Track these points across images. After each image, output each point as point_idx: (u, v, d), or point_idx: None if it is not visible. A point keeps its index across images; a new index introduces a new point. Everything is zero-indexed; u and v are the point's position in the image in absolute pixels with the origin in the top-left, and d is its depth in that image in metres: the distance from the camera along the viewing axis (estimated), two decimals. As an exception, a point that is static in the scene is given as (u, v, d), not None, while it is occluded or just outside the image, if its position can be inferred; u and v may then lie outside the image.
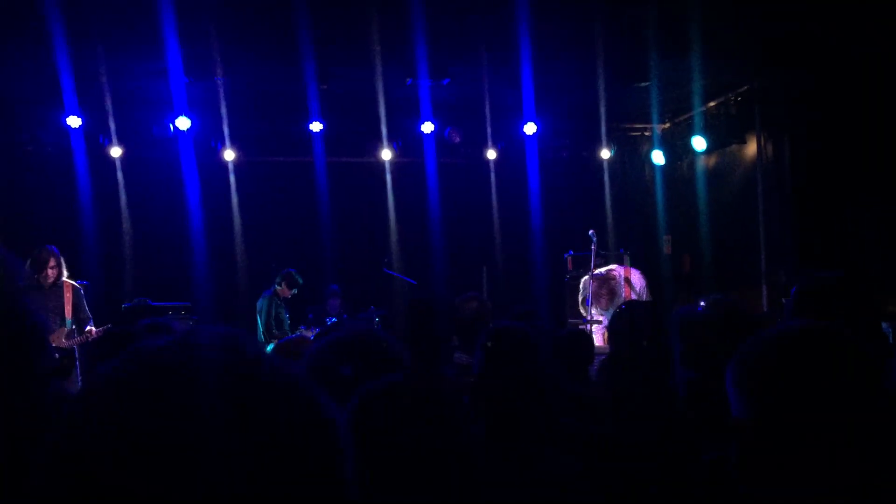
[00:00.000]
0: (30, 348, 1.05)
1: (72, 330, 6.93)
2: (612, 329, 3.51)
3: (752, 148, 9.89)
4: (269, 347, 9.10)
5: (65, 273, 6.98)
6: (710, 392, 1.91)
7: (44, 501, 0.70)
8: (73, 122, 9.42)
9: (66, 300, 6.89)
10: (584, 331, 5.95)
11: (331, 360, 1.89)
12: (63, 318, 6.86)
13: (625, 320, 3.38)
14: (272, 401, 0.74)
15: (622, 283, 8.18)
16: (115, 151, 9.96)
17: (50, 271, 6.82)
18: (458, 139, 10.68)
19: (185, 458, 0.68)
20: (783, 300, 8.46)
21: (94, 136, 9.79)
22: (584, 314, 8.15)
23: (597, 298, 7.93)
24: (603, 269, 8.38)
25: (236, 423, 0.71)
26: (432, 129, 10.35)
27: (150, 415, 0.70)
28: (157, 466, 0.68)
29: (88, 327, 7.04)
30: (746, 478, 1.27)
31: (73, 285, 7.05)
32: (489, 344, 2.51)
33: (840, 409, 1.21)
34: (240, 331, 0.80)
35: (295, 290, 9.57)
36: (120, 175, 10.11)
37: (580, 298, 8.37)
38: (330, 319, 9.15)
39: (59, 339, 6.68)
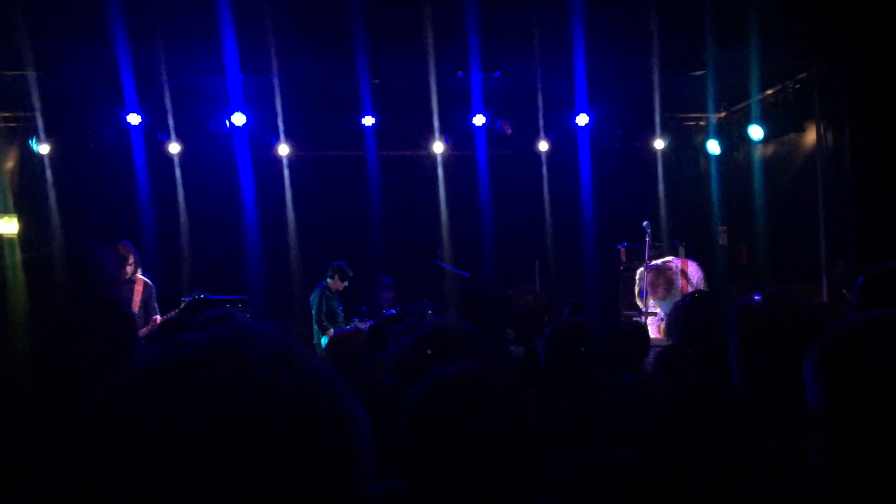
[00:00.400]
0: (124, 338, 1.09)
1: (138, 322, 7.20)
2: (670, 321, 3.48)
3: (811, 136, 9.67)
4: (324, 340, 9.24)
5: (139, 269, 7.26)
6: (768, 384, 1.87)
7: (74, 480, 0.72)
8: (133, 119, 9.65)
9: (135, 292, 7.17)
10: (639, 323, 5.90)
11: (420, 353, 1.90)
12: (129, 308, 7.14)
13: (684, 312, 3.35)
14: (296, 397, 0.75)
15: (679, 274, 8.07)
16: (174, 148, 10.16)
17: (128, 267, 7.11)
18: (509, 131, 10.66)
19: (203, 447, 0.69)
20: (843, 291, 8.27)
21: (153, 132, 10.00)
22: (641, 306, 8.07)
23: (654, 288, 7.84)
24: (659, 261, 8.28)
25: (258, 416, 0.72)
26: (484, 121, 10.35)
27: (174, 403, 0.71)
28: (175, 453, 0.69)
29: (155, 317, 7.30)
30: (824, 468, 1.25)
31: (145, 281, 7.37)
32: (552, 337, 2.51)
33: None
34: (273, 325, 0.81)
35: (346, 283, 9.67)
36: (178, 171, 10.32)
37: (636, 290, 8.28)
38: (386, 312, 9.22)
39: None
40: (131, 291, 7.19)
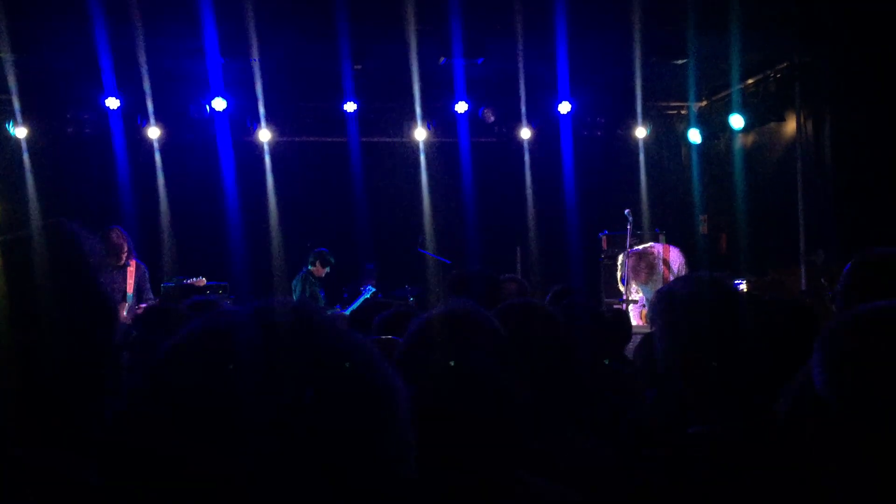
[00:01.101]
0: (104, 323, 1.08)
1: (132, 306, 7.23)
2: (652, 308, 3.49)
3: (791, 126, 9.72)
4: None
5: (133, 254, 7.26)
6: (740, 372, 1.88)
7: (125, 445, 0.74)
8: (112, 103, 9.53)
9: (129, 275, 7.18)
10: (621, 310, 5.91)
11: (430, 340, 1.86)
12: (125, 295, 7.16)
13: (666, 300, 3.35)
14: (340, 368, 0.77)
15: (660, 259, 8.11)
16: (153, 132, 10.06)
17: (122, 254, 7.13)
18: (492, 118, 10.64)
19: (252, 416, 0.71)
20: (822, 280, 8.35)
21: (132, 117, 9.90)
22: (623, 292, 8.10)
23: (635, 273, 7.85)
24: (640, 247, 8.31)
25: (307, 387, 0.73)
26: (466, 108, 10.32)
27: (223, 373, 0.73)
28: (224, 422, 0.71)
29: (141, 304, 7.28)
30: (827, 455, 1.26)
31: (137, 265, 7.38)
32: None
33: None
34: (309, 301, 0.82)
35: (328, 269, 9.65)
36: (158, 156, 10.22)
37: (619, 276, 8.31)
38: (364, 289, 9.27)
39: (122, 315, 6.91)
40: (125, 276, 7.19)
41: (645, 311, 7.44)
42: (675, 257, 8.25)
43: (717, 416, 1.81)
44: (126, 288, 7.14)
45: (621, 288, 8.20)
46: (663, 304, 1.97)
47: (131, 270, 7.25)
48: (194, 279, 8.40)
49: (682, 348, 1.89)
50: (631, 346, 5.50)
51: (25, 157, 9.80)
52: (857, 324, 1.27)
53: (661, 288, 2.04)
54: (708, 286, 1.93)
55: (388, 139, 11.03)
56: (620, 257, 8.38)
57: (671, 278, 8.02)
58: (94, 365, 1.05)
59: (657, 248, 8.32)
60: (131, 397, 0.77)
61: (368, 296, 9.10)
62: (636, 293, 7.95)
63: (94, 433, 1.08)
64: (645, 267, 7.88)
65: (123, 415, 0.76)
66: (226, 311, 0.80)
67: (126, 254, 7.22)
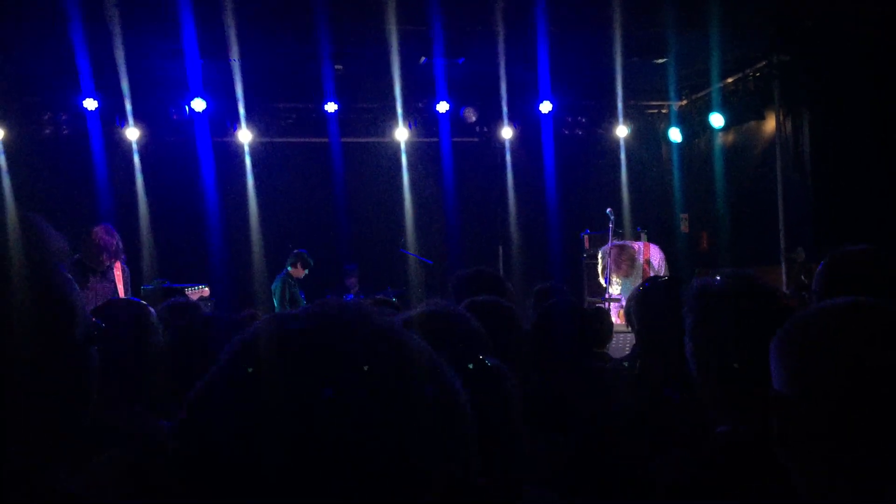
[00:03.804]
0: (59, 318, 1.05)
1: None
2: (629, 307, 3.49)
3: (770, 124, 9.79)
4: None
5: (122, 254, 6.96)
6: (724, 367, 1.88)
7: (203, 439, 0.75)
8: (90, 104, 9.45)
9: (118, 279, 6.90)
10: (603, 308, 5.93)
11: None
12: (115, 295, 6.83)
13: (643, 299, 3.35)
14: (404, 369, 0.77)
15: (640, 254, 8.16)
16: (132, 133, 9.98)
17: (110, 254, 6.74)
18: (473, 118, 10.64)
19: (324, 419, 0.71)
20: (802, 277, 8.41)
21: (111, 117, 9.81)
22: (604, 284, 8.14)
23: (617, 265, 7.90)
24: (620, 241, 8.36)
25: (376, 390, 0.74)
26: (448, 108, 10.32)
27: (294, 376, 0.73)
28: (297, 424, 0.71)
29: None
30: (785, 451, 1.26)
31: (122, 266, 7.07)
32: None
33: (889, 386, 1.19)
34: (362, 302, 0.82)
35: (307, 271, 9.61)
36: (136, 157, 10.14)
37: (599, 268, 8.33)
38: (347, 297, 9.18)
39: None
40: (113, 277, 6.91)
41: (622, 311, 7.46)
42: (655, 253, 8.30)
43: (744, 415, 1.80)
44: (117, 290, 6.90)
45: (602, 281, 8.23)
46: (697, 301, 1.96)
47: (118, 274, 6.98)
48: (198, 287, 8.20)
49: (718, 347, 1.88)
50: (613, 344, 5.52)
51: (2, 158, 9.68)
52: (813, 322, 1.29)
53: (696, 282, 2.02)
54: (745, 284, 1.92)
55: (369, 139, 11.01)
56: (601, 249, 8.42)
57: (651, 275, 8.06)
58: (55, 361, 1.03)
59: (637, 244, 8.37)
60: (207, 393, 0.77)
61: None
62: (617, 285, 7.98)
63: (65, 433, 1.06)
64: (626, 259, 7.92)
65: (200, 407, 0.77)
66: (286, 315, 0.80)
67: (118, 255, 6.83)
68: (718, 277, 1.99)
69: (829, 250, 2.38)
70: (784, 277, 9.27)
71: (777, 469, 1.65)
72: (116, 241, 6.76)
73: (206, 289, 8.44)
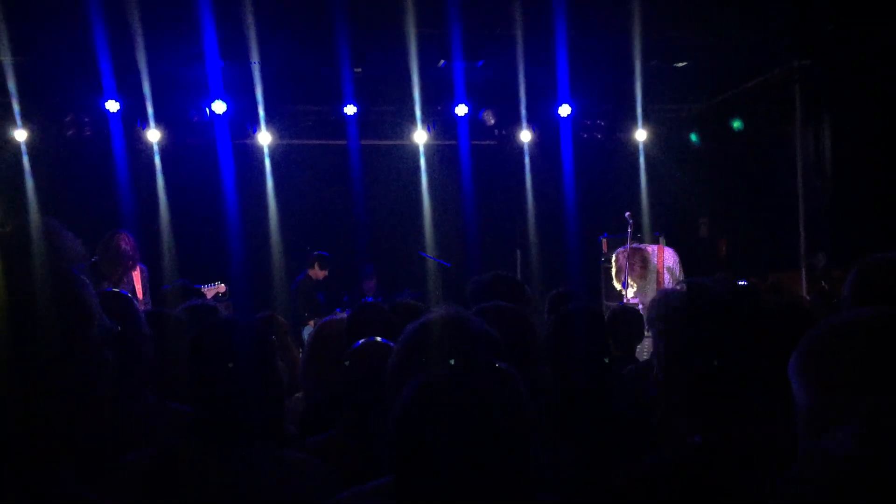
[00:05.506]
0: (76, 319, 1.07)
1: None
2: (651, 312, 3.47)
3: (790, 129, 9.71)
4: (305, 330, 9.21)
5: (139, 258, 7.08)
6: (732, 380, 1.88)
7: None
8: (112, 106, 9.53)
9: (136, 280, 7.01)
10: (634, 307, 5.89)
11: (426, 345, 1.86)
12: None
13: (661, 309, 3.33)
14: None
15: (654, 255, 8.11)
16: (153, 135, 10.05)
17: (128, 261, 6.86)
18: (492, 121, 10.64)
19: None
20: (822, 283, 8.33)
21: (132, 119, 9.89)
22: (618, 287, 8.10)
23: (630, 266, 7.86)
24: (633, 244, 8.32)
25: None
26: (466, 111, 10.32)
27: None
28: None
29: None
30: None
31: (142, 269, 7.18)
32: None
33: None
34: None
35: (327, 273, 9.64)
36: (157, 159, 10.21)
37: (613, 271, 8.27)
38: (365, 300, 9.20)
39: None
40: (132, 281, 7.02)
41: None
42: (670, 257, 8.25)
43: (715, 423, 1.80)
44: (136, 292, 6.99)
45: (616, 284, 8.18)
46: (657, 310, 1.97)
47: (136, 275, 7.09)
48: (213, 285, 8.28)
49: (678, 356, 1.88)
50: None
51: (25, 160, 9.79)
52: (833, 333, 1.25)
53: (657, 294, 2.03)
54: (700, 293, 1.92)
55: (387, 142, 11.03)
56: (615, 253, 8.38)
57: (666, 277, 8.02)
58: (72, 362, 1.05)
59: (651, 248, 8.33)
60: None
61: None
62: (631, 288, 7.94)
63: (82, 435, 1.07)
64: (639, 260, 7.87)
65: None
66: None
67: (133, 259, 6.97)
68: (678, 287, 2.00)
69: (857, 255, 2.35)
70: (804, 284, 9.19)
71: (748, 479, 1.64)
72: (133, 250, 6.86)
73: (223, 285, 8.48)
